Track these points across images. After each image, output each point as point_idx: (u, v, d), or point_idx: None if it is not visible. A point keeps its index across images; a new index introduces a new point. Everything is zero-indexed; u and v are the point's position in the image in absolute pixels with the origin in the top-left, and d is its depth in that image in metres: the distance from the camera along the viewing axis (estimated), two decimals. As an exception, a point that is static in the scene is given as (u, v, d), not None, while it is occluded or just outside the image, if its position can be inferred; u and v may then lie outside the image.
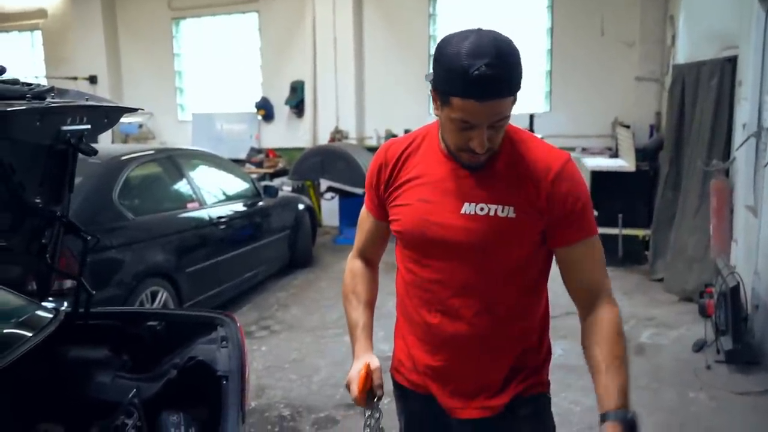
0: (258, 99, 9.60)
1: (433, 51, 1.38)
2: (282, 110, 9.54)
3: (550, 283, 1.56)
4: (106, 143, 7.52)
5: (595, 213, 1.50)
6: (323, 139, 8.97)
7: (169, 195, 4.77)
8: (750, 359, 3.87)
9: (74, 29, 10.36)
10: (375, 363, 1.50)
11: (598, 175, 6.29)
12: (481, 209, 1.38)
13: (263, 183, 6.43)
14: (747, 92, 4.47)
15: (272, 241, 5.82)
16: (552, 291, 1.56)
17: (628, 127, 7.33)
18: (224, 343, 2.01)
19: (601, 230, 1.55)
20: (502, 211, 1.37)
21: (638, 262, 6.16)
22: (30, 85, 1.85)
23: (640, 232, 6.21)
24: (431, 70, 1.33)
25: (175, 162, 4.87)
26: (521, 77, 1.29)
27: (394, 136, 7.95)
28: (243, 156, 9.36)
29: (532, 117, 7.63)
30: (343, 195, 7.70)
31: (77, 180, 2.15)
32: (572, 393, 3.51)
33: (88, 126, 1.96)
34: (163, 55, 10.25)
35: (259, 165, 9.25)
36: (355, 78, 8.89)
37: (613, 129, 7.83)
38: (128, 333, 2.17)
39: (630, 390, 1.32)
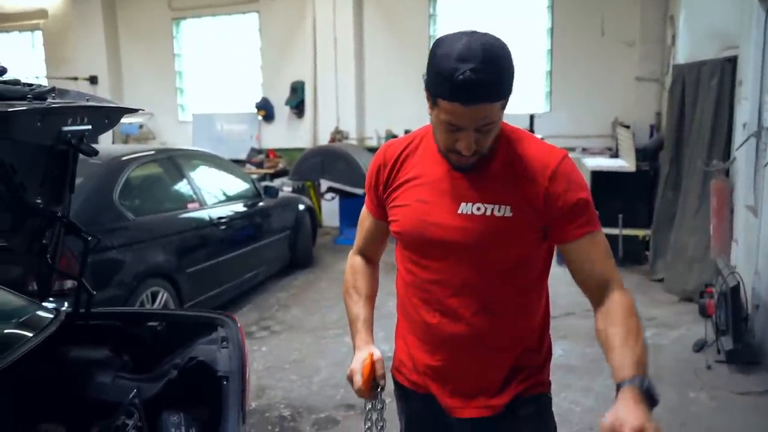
0: (258, 99, 9.60)
1: (432, 51, 1.38)
2: (282, 110, 9.54)
3: (550, 283, 1.56)
4: (106, 144, 7.53)
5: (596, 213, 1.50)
6: (323, 140, 8.97)
7: (169, 195, 4.78)
8: (750, 359, 3.87)
9: (75, 29, 10.37)
10: (377, 354, 1.51)
11: (598, 175, 6.29)
12: (478, 209, 1.39)
13: (263, 183, 6.43)
14: (747, 92, 4.47)
15: (272, 242, 5.83)
16: (552, 291, 1.56)
17: (628, 127, 7.33)
18: (225, 343, 2.01)
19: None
20: (499, 211, 1.38)
21: (638, 262, 6.16)
22: (31, 85, 1.86)
23: (640, 232, 6.20)
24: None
25: (176, 162, 4.88)
26: (511, 82, 1.29)
27: (395, 136, 7.97)
28: (243, 156, 9.37)
29: (532, 117, 7.63)
30: (344, 195, 7.70)
31: (78, 180, 2.15)
32: (572, 393, 3.51)
33: (89, 126, 1.96)
34: (164, 55, 10.26)
35: (260, 165, 9.26)
36: (355, 78, 8.90)
37: (613, 129, 7.83)
38: (129, 333, 2.17)
39: (648, 365, 1.26)
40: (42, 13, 10.79)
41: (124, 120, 3.45)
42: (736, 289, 3.88)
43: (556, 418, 1.59)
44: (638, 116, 7.65)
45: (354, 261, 1.70)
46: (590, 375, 3.77)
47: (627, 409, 1.13)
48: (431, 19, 8.76)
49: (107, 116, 2.07)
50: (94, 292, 2.15)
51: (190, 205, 4.74)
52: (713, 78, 5.09)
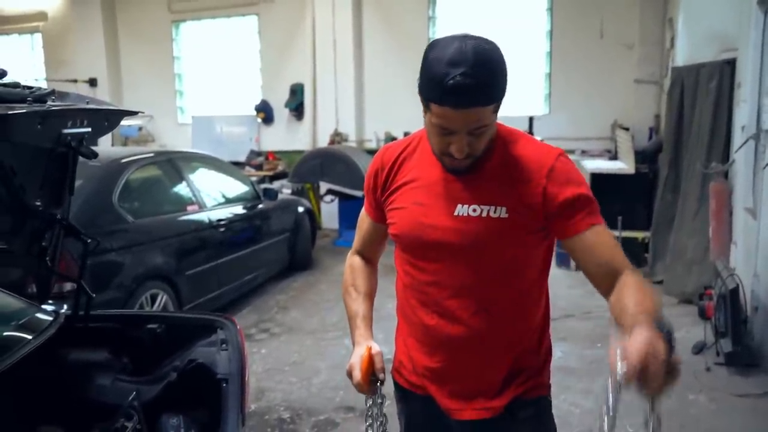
0: (258, 102, 9.60)
1: (432, 54, 1.38)
2: (282, 113, 9.55)
3: (550, 285, 1.56)
4: (106, 146, 7.52)
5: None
6: (323, 142, 8.98)
7: (168, 198, 4.78)
8: (749, 361, 3.87)
9: (74, 32, 10.37)
10: (376, 347, 1.51)
11: (597, 178, 6.30)
12: (474, 210, 1.39)
13: (263, 186, 6.44)
14: (746, 94, 4.48)
15: (272, 244, 5.83)
16: (551, 293, 1.56)
17: (627, 129, 7.34)
18: (224, 345, 2.01)
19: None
20: (495, 212, 1.38)
21: (638, 264, 6.15)
22: (31, 88, 1.86)
23: (639, 235, 6.21)
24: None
25: (175, 165, 4.88)
26: (503, 85, 1.29)
27: (394, 138, 7.99)
28: (243, 159, 9.36)
29: (531, 119, 7.63)
30: (343, 197, 7.70)
31: (77, 183, 2.16)
32: (572, 395, 3.51)
33: (89, 129, 1.96)
34: (163, 57, 10.26)
35: (259, 168, 9.26)
36: (354, 80, 8.90)
37: (612, 131, 7.84)
38: (128, 336, 2.17)
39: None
40: (41, 16, 10.80)
41: (124, 122, 3.44)
42: (735, 292, 3.89)
43: (555, 420, 1.59)
44: (637, 118, 7.65)
45: (353, 261, 1.71)
46: (590, 377, 3.77)
47: (637, 335, 1.06)
48: (430, 21, 8.77)
49: (107, 119, 2.07)
50: (94, 295, 2.15)
51: (189, 208, 4.75)
52: (712, 80, 5.10)
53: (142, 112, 2.54)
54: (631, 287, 1.27)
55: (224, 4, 9.67)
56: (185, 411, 1.95)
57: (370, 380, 1.49)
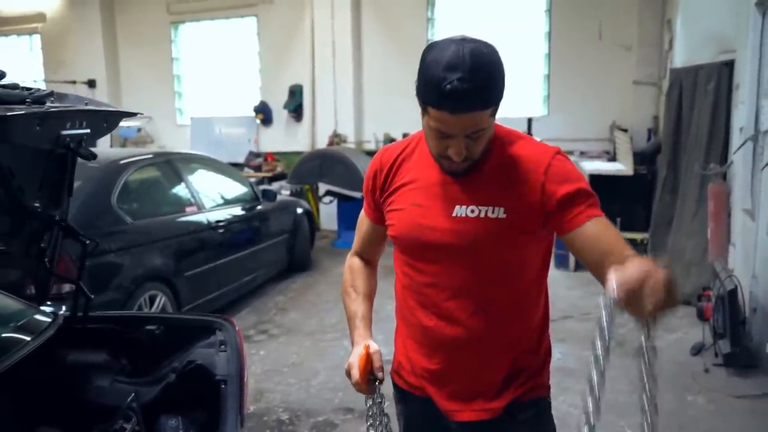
0: (256, 103, 9.60)
1: (430, 55, 1.38)
2: (280, 114, 9.55)
3: (548, 286, 1.56)
4: (104, 147, 7.52)
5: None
6: (322, 143, 8.98)
7: (167, 199, 4.78)
8: (748, 362, 3.87)
9: (73, 33, 10.37)
10: (374, 346, 1.51)
11: (596, 179, 6.30)
12: (472, 211, 1.39)
13: (262, 187, 6.44)
14: (744, 96, 4.49)
15: (271, 245, 5.82)
16: (550, 294, 1.56)
17: (625, 130, 7.35)
18: (223, 347, 2.01)
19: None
20: (493, 213, 1.38)
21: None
22: (30, 89, 1.86)
23: (638, 236, 6.21)
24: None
25: (174, 166, 4.88)
26: (501, 89, 1.29)
27: (393, 139, 7.99)
28: (241, 160, 9.36)
29: (530, 121, 7.65)
30: (342, 199, 7.70)
31: (76, 184, 2.16)
32: (570, 396, 3.51)
33: (88, 130, 1.96)
34: (162, 59, 10.26)
35: (258, 169, 9.26)
36: (353, 82, 8.91)
37: (611, 133, 7.84)
38: (127, 337, 2.17)
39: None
40: (40, 17, 10.80)
41: (123, 124, 3.44)
42: (733, 293, 3.89)
43: (555, 421, 1.59)
44: (636, 120, 7.67)
45: (352, 262, 1.71)
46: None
47: (634, 261, 1.06)
48: (429, 23, 8.78)
49: (106, 120, 2.07)
50: (92, 296, 2.16)
51: (188, 209, 4.74)
52: (710, 82, 5.11)
53: (141, 114, 2.54)
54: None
55: (223, 5, 9.68)
56: (184, 412, 1.95)
57: (369, 379, 1.48)
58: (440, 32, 8.69)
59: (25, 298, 2.15)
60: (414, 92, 1.32)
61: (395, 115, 8.60)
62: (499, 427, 1.49)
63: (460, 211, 1.40)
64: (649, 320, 1.07)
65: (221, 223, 4.94)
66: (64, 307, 2.47)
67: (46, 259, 2.09)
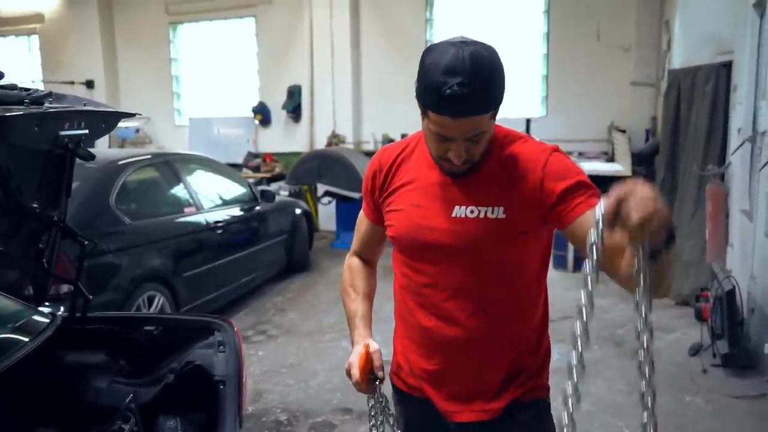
0: (255, 103, 9.60)
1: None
2: (279, 115, 9.55)
3: (548, 286, 1.56)
4: (103, 148, 7.52)
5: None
6: (320, 144, 8.98)
7: (166, 199, 4.77)
8: (746, 363, 3.88)
9: (71, 34, 10.36)
10: (374, 345, 1.51)
11: (593, 180, 6.12)
12: (471, 212, 1.39)
13: (260, 187, 6.43)
14: (742, 97, 4.49)
15: (269, 246, 5.82)
16: (549, 295, 1.56)
17: (624, 131, 7.36)
18: (221, 347, 2.01)
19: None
20: (492, 213, 1.38)
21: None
22: (28, 90, 1.86)
23: (636, 236, 6.20)
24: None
25: (172, 166, 4.87)
26: (501, 92, 1.28)
27: (391, 140, 7.99)
28: (240, 160, 9.36)
29: (528, 121, 7.66)
30: (340, 199, 7.70)
31: (74, 184, 2.15)
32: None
33: (86, 131, 1.96)
34: (161, 59, 10.25)
35: (256, 169, 9.26)
36: (352, 82, 8.91)
37: (609, 133, 7.86)
38: (125, 338, 2.17)
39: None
40: (39, 18, 10.78)
41: (121, 124, 3.43)
42: (731, 293, 3.90)
43: (554, 422, 1.58)
44: (634, 121, 7.68)
45: (351, 262, 1.71)
46: (588, 379, 3.77)
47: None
48: (428, 23, 8.79)
49: (104, 121, 2.07)
50: (91, 297, 2.15)
51: (186, 209, 4.74)
52: (708, 83, 5.12)
53: (139, 114, 2.53)
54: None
55: (222, 6, 9.68)
56: (182, 413, 1.95)
57: (369, 378, 1.49)
58: (439, 33, 8.70)
59: (24, 298, 2.15)
60: (413, 93, 1.32)
61: (394, 115, 8.60)
62: (499, 427, 1.49)
63: (459, 211, 1.40)
64: (641, 242, 1.03)
65: (220, 224, 4.94)
66: (62, 308, 2.46)
67: (44, 260, 2.09)
